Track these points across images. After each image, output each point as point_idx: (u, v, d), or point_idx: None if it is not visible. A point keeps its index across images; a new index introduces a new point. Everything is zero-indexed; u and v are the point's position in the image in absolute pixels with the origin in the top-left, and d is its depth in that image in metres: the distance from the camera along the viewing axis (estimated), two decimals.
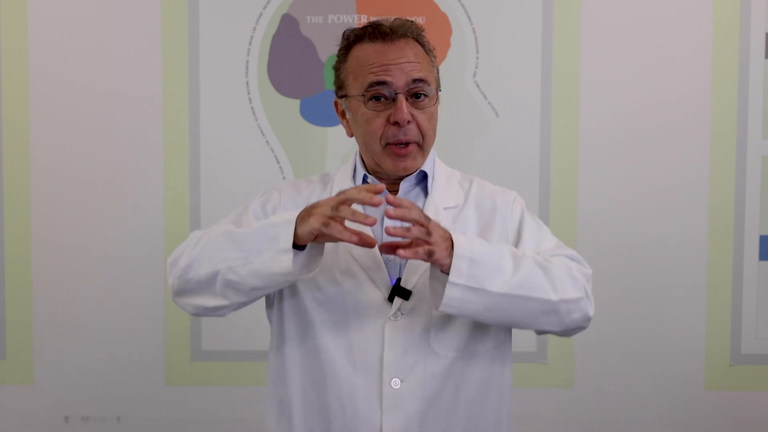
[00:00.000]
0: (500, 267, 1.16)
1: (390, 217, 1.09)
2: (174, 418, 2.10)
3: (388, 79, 1.23)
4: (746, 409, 2.09)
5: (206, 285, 1.20)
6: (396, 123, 1.23)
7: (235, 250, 1.16)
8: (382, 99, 1.24)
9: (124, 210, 2.07)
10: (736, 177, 2.05)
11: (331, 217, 1.08)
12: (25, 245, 2.08)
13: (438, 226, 1.15)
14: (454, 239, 1.15)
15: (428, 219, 1.13)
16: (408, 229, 1.10)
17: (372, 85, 1.23)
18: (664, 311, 2.08)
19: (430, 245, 1.11)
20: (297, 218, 1.12)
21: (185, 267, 1.21)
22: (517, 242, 1.32)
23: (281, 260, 1.11)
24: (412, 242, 1.11)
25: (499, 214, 1.33)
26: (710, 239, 2.07)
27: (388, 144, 1.25)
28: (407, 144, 1.25)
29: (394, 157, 1.25)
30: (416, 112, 1.24)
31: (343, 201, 1.09)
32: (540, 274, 1.19)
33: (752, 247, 2.06)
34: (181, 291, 1.23)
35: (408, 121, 1.23)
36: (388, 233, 1.10)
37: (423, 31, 1.30)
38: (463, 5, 2.04)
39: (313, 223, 1.09)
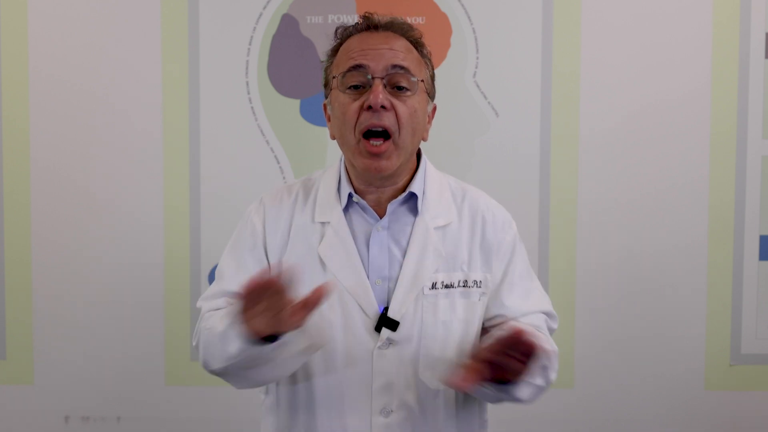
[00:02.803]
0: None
1: None
2: (174, 418, 2.10)
3: (365, 62, 1.18)
4: (746, 409, 2.09)
5: (226, 376, 1.20)
6: (369, 108, 1.16)
7: (219, 348, 1.14)
8: (360, 87, 1.19)
9: (124, 210, 2.08)
10: (736, 177, 2.06)
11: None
12: (25, 245, 2.08)
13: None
14: None
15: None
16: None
17: (350, 69, 1.19)
18: (664, 311, 2.08)
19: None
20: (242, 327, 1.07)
21: (203, 363, 1.21)
22: (503, 278, 1.28)
23: (244, 350, 1.09)
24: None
25: (486, 237, 1.28)
26: (710, 239, 2.07)
27: (363, 138, 1.18)
28: (381, 138, 1.18)
29: (367, 155, 1.18)
30: (396, 102, 1.18)
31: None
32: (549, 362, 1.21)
33: (752, 247, 2.07)
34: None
35: (383, 107, 1.16)
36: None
37: (420, 36, 1.25)
38: (463, 5, 2.04)
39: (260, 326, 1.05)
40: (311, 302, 1.03)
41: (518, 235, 1.32)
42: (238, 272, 1.25)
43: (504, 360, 1.06)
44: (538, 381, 1.17)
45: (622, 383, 2.09)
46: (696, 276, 2.08)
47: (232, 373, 1.16)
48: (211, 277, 2.07)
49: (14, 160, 2.08)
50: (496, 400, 1.19)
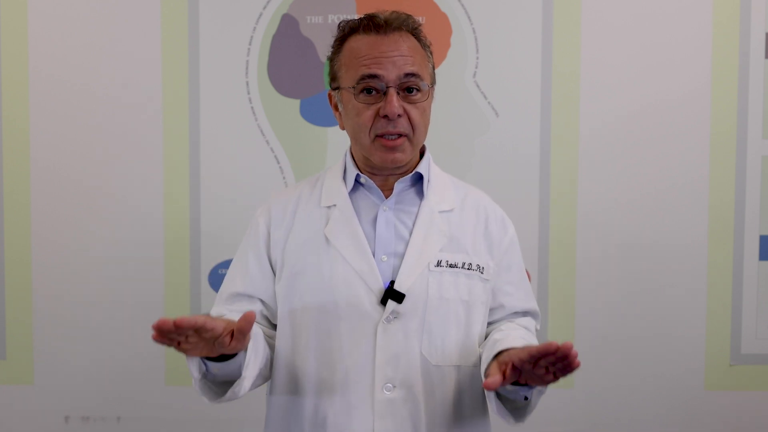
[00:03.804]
0: None
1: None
2: (174, 418, 2.12)
3: (379, 72, 1.22)
4: (747, 409, 2.11)
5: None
6: (386, 116, 1.22)
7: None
8: (373, 92, 1.24)
9: (124, 209, 2.10)
10: (736, 177, 2.07)
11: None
12: (25, 245, 2.10)
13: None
14: None
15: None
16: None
17: (363, 77, 1.23)
18: (664, 311, 2.09)
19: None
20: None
21: None
22: (506, 271, 1.34)
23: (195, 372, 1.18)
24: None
25: (489, 229, 1.34)
26: (710, 239, 2.08)
27: (377, 137, 1.24)
28: (397, 137, 1.24)
29: (383, 149, 1.25)
30: (408, 106, 1.24)
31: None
32: None
33: (752, 247, 2.08)
34: None
35: (399, 115, 1.22)
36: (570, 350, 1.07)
37: (420, 25, 1.30)
38: (463, 5, 2.06)
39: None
40: (242, 329, 1.08)
41: (516, 239, 1.38)
42: (241, 273, 1.34)
43: (535, 369, 1.09)
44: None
45: (622, 383, 2.10)
46: (696, 276, 2.09)
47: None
48: (212, 277, 2.12)
49: (14, 160, 2.09)
50: (509, 407, 1.22)
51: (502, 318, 1.35)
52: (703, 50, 2.05)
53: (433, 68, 1.32)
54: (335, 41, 1.31)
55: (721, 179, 2.07)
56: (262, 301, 1.33)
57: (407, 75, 1.23)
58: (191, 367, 1.16)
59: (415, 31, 1.28)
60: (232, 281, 1.35)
